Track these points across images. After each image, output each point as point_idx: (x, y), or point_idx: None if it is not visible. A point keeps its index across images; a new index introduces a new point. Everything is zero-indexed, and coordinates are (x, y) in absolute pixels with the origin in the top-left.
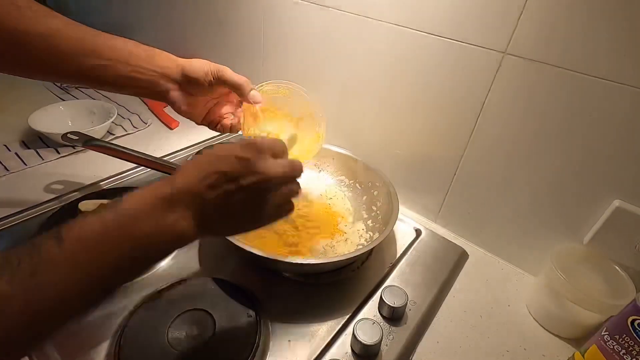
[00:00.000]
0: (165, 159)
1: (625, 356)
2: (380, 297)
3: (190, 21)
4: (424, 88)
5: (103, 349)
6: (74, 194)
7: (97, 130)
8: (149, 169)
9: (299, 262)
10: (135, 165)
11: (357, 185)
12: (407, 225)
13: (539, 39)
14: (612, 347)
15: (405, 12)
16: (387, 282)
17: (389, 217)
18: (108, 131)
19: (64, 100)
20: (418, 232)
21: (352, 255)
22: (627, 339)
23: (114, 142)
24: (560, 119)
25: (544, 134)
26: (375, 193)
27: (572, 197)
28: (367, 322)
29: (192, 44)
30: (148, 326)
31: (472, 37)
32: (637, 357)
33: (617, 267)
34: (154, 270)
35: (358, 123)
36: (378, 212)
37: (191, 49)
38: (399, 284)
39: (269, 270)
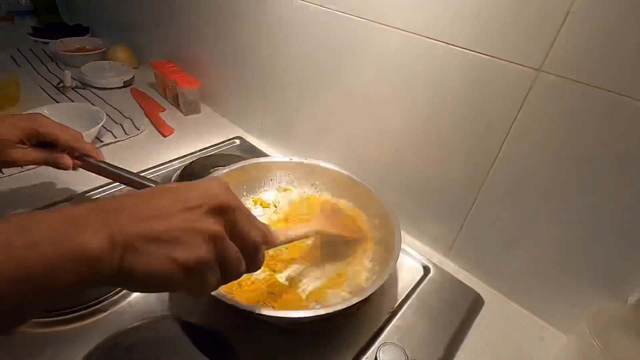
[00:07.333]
0: (143, 174)
1: None
2: (376, 357)
3: (192, 23)
4: (440, 104)
5: None
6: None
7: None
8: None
9: (275, 315)
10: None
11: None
12: (413, 260)
13: (581, 55)
14: None
15: (421, 19)
16: (385, 335)
17: (391, 252)
18: (97, 137)
19: (58, 102)
20: (426, 270)
21: (337, 309)
22: None
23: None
24: (605, 151)
25: (584, 166)
26: (377, 222)
27: (614, 246)
28: None
29: (192, 46)
30: None
31: (500, 50)
32: None
33: None
34: (113, 308)
35: (363, 139)
36: (381, 242)
37: (191, 51)
38: (398, 339)
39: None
